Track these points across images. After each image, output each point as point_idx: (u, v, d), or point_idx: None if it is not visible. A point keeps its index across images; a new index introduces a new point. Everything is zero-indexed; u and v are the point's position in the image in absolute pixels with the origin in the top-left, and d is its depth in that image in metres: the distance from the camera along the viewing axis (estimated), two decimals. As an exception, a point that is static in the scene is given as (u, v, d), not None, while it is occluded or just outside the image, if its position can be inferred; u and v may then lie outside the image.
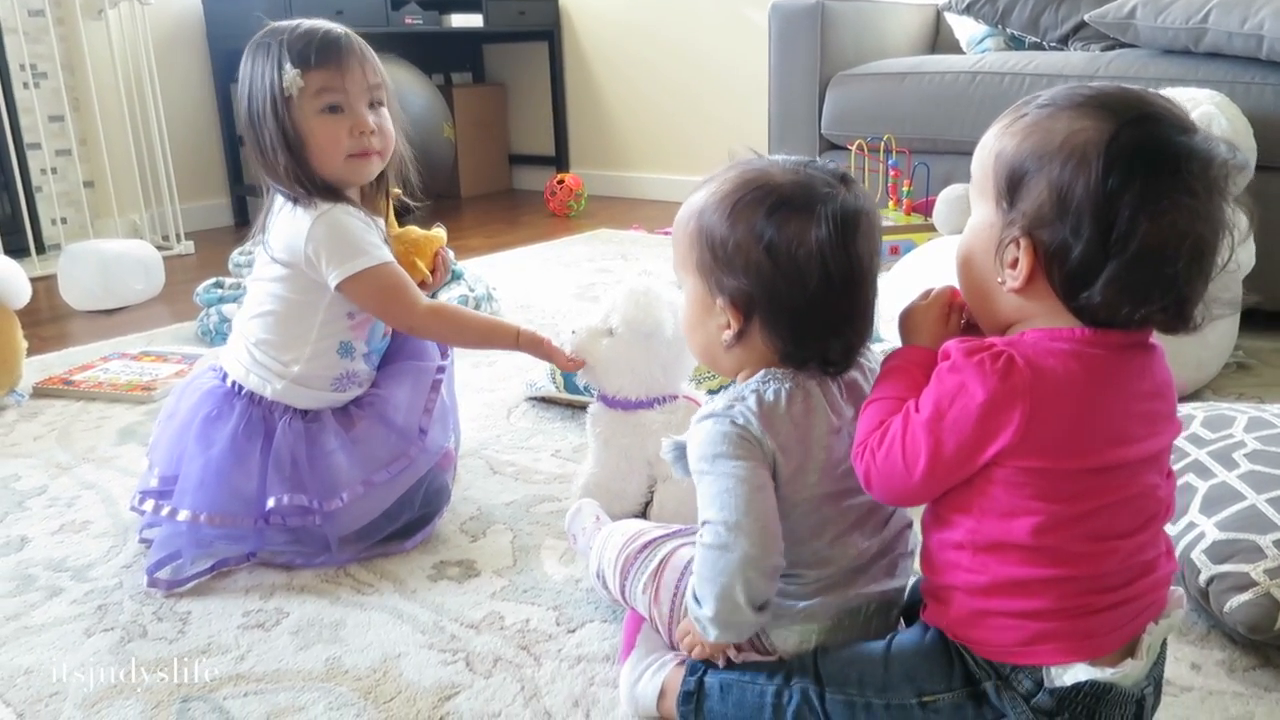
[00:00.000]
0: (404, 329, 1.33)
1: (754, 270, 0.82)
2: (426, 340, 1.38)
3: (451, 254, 1.49)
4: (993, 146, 0.77)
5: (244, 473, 1.26)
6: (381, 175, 1.33)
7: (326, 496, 1.25)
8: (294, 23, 1.25)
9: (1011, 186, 0.74)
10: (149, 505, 1.28)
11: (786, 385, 0.84)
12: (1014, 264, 0.74)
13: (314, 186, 1.25)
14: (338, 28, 1.27)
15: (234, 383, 1.30)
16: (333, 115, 1.24)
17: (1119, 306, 0.72)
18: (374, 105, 1.27)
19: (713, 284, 0.85)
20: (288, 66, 1.21)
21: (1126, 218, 0.69)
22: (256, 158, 1.27)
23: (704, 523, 0.82)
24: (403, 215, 1.44)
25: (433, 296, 1.39)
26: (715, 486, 0.81)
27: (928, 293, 0.86)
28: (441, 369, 1.38)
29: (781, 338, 0.84)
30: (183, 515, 1.24)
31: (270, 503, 1.24)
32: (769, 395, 0.83)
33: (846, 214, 0.81)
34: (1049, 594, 0.74)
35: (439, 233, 1.45)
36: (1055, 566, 0.74)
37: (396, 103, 1.33)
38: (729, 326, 0.85)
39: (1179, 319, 0.74)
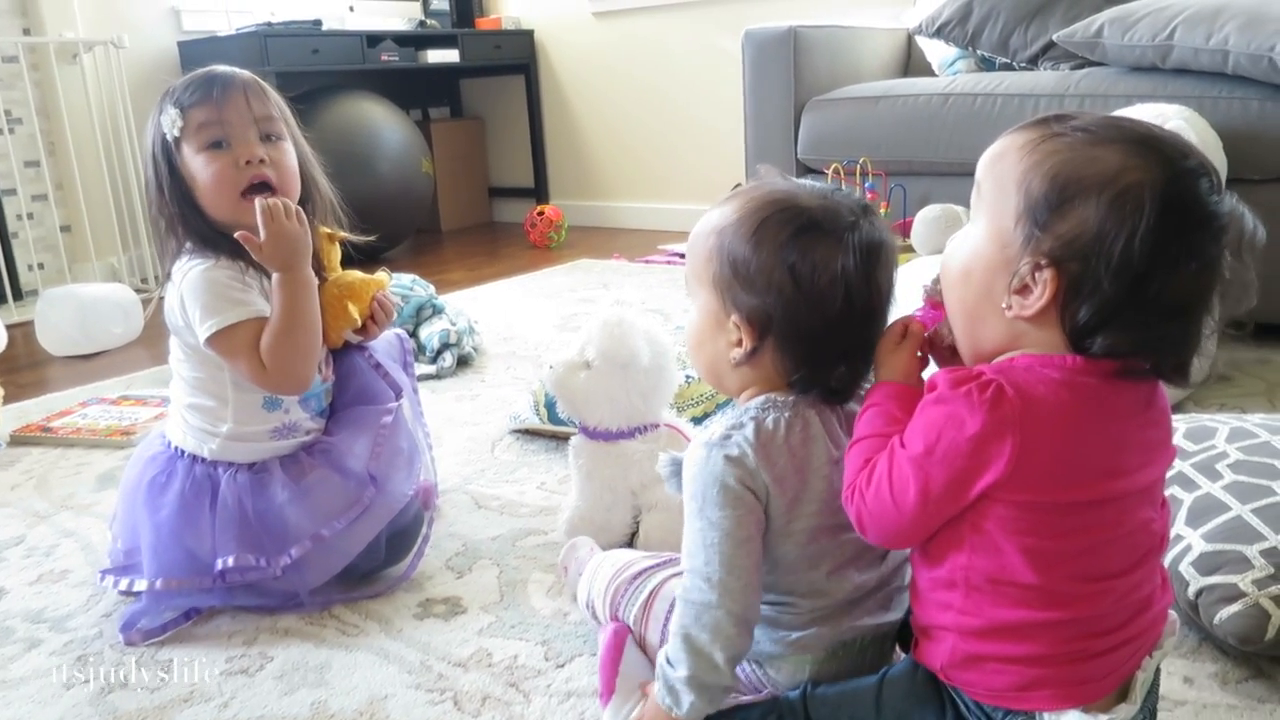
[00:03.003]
0: (262, 385, 1.22)
1: (775, 290, 0.81)
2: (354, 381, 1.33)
3: (433, 292, 1.43)
4: (1017, 160, 0.71)
5: (195, 533, 1.23)
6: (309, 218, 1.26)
7: (275, 553, 1.22)
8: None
9: (1045, 208, 0.69)
10: (109, 582, 1.28)
11: (785, 414, 0.83)
12: (1023, 290, 0.71)
13: (204, 235, 1.21)
14: (226, 68, 1.23)
15: (177, 446, 1.28)
16: (216, 151, 1.19)
17: (1125, 352, 0.70)
18: (268, 139, 1.23)
19: (729, 300, 0.84)
20: (168, 108, 1.19)
21: (1167, 270, 0.67)
22: (152, 218, 1.24)
23: (686, 570, 0.82)
24: (370, 259, 1.40)
25: (411, 335, 1.35)
26: (700, 537, 0.81)
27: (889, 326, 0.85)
28: (390, 411, 1.32)
29: (792, 360, 0.83)
30: (140, 585, 1.23)
31: (219, 564, 1.21)
32: (768, 423, 0.82)
33: (871, 244, 0.82)
34: (1044, 639, 0.72)
35: (381, 277, 1.35)
36: (1050, 609, 0.72)
37: (305, 143, 1.29)
38: (739, 344, 0.84)
39: (1179, 374, 0.72)
